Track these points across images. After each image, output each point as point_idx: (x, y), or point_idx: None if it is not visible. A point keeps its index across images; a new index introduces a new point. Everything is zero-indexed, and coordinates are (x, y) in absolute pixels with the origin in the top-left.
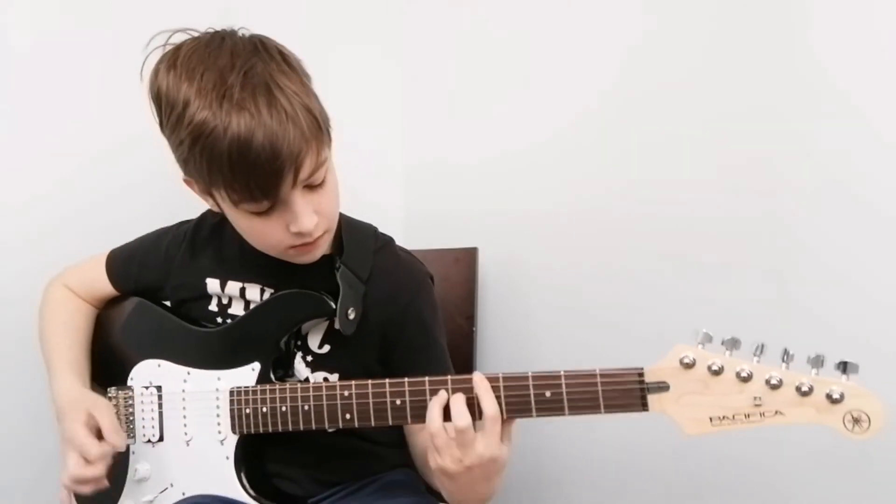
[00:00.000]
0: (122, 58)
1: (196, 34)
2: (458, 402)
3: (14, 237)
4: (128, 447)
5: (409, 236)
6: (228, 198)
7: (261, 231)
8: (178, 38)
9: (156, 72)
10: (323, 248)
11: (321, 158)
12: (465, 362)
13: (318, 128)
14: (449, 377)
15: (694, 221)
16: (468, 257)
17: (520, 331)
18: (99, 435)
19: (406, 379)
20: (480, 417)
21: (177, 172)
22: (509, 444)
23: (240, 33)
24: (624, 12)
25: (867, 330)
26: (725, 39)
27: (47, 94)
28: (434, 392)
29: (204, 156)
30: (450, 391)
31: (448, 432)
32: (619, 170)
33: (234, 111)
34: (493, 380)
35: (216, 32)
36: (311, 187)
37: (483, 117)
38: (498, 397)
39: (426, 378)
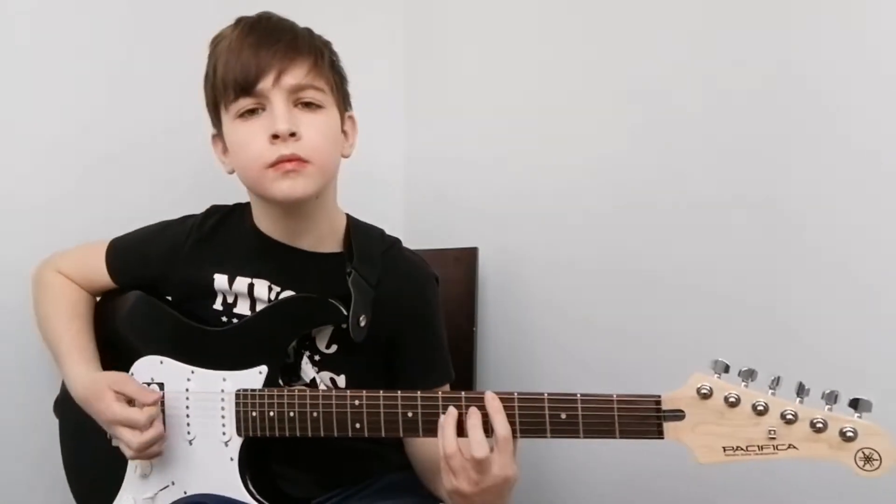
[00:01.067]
0: (123, 56)
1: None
2: (476, 430)
3: (14, 237)
4: None
5: (410, 236)
6: (225, 104)
7: (247, 140)
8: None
9: (220, 33)
10: (308, 184)
11: (314, 82)
12: (465, 362)
13: (322, 56)
14: (462, 393)
15: (694, 221)
16: (468, 257)
17: (520, 331)
18: (132, 403)
19: (419, 392)
20: (491, 436)
21: (177, 171)
22: (518, 459)
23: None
24: (625, 11)
25: (880, 357)
26: (726, 39)
27: (47, 93)
28: (446, 408)
29: (211, 59)
30: (463, 409)
31: (464, 455)
32: (620, 170)
33: (247, 22)
34: (508, 399)
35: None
36: (301, 105)
37: (484, 117)
38: (512, 416)
39: (440, 392)
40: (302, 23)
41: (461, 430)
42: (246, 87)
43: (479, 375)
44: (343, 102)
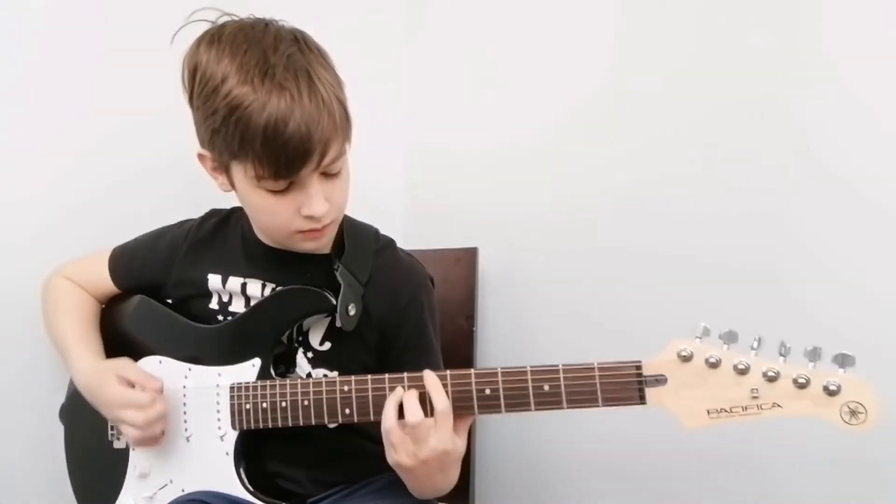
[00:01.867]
0: (120, 55)
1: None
2: (411, 399)
3: (13, 235)
4: (128, 444)
5: (410, 236)
6: (253, 172)
7: (273, 210)
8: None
9: (196, 47)
10: (328, 237)
11: (342, 149)
12: (465, 362)
13: (347, 120)
14: (405, 374)
15: (695, 221)
16: (468, 257)
17: (520, 331)
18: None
19: (406, 374)
20: (433, 413)
21: (178, 167)
22: (465, 437)
23: (280, 23)
24: (626, 13)
25: (863, 324)
26: (725, 40)
27: (47, 90)
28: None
29: (238, 128)
30: (405, 388)
31: (402, 428)
32: (620, 170)
33: (276, 90)
34: (491, 374)
35: (259, 19)
36: (327, 175)
37: (484, 117)
38: (496, 391)
39: (423, 373)
40: (302, 23)
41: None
42: (285, 175)
43: None
44: (351, 136)
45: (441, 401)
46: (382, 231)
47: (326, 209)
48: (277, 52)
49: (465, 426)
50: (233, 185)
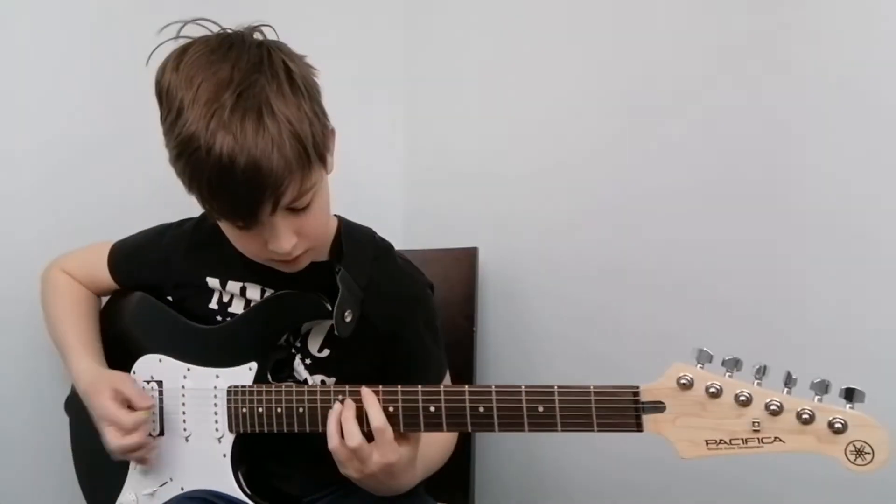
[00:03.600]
0: (120, 52)
1: (209, 26)
2: (349, 422)
3: (14, 229)
4: None
5: (409, 236)
6: (212, 209)
7: (241, 241)
8: (189, 30)
9: (163, 68)
10: (306, 261)
11: (306, 185)
12: (465, 362)
13: (306, 155)
14: (346, 389)
15: (696, 222)
16: (468, 257)
17: (520, 331)
18: (130, 407)
19: (399, 387)
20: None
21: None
22: (414, 442)
23: (251, 38)
24: (624, 11)
25: (872, 353)
26: (723, 39)
27: (47, 87)
28: (426, 403)
29: (187, 170)
30: (343, 403)
31: (345, 447)
32: (620, 170)
33: (221, 131)
34: (485, 391)
35: (227, 36)
36: (294, 210)
37: (484, 117)
38: (490, 409)
39: (419, 387)
40: (303, 21)
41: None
42: (236, 220)
43: (478, 375)
44: (325, 155)
45: (377, 417)
46: (383, 231)
47: (294, 244)
48: (230, 86)
49: (416, 435)
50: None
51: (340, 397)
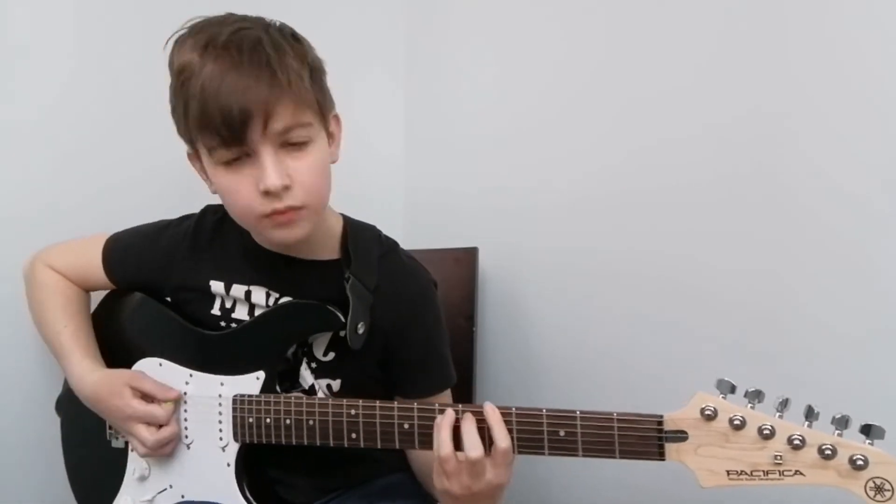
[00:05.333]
0: (119, 46)
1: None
2: (471, 432)
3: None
4: (126, 444)
5: (409, 236)
6: (205, 145)
7: (234, 189)
8: None
9: (172, 48)
10: (301, 227)
11: (302, 119)
12: (465, 362)
13: (301, 87)
14: (460, 406)
15: (696, 223)
16: (468, 257)
17: (520, 331)
18: (148, 400)
19: (415, 404)
20: (490, 448)
21: (176, 163)
22: (511, 468)
23: (265, 20)
24: (625, 13)
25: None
26: (725, 39)
27: (46, 86)
28: (442, 412)
29: (182, 95)
30: (460, 413)
31: (459, 459)
32: (621, 170)
33: (217, 52)
34: (506, 413)
35: (234, 14)
36: (288, 147)
37: (484, 117)
38: (510, 430)
39: (436, 405)
40: (302, 23)
41: (456, 435)
42: (229, 141)
43: (478, 376)
44: (326, 112)
45: (503, 438)
46: (383, 231)
47: (284, 183)
48: (230, 25)
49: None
50: (209, 177)
51: (460, 407)
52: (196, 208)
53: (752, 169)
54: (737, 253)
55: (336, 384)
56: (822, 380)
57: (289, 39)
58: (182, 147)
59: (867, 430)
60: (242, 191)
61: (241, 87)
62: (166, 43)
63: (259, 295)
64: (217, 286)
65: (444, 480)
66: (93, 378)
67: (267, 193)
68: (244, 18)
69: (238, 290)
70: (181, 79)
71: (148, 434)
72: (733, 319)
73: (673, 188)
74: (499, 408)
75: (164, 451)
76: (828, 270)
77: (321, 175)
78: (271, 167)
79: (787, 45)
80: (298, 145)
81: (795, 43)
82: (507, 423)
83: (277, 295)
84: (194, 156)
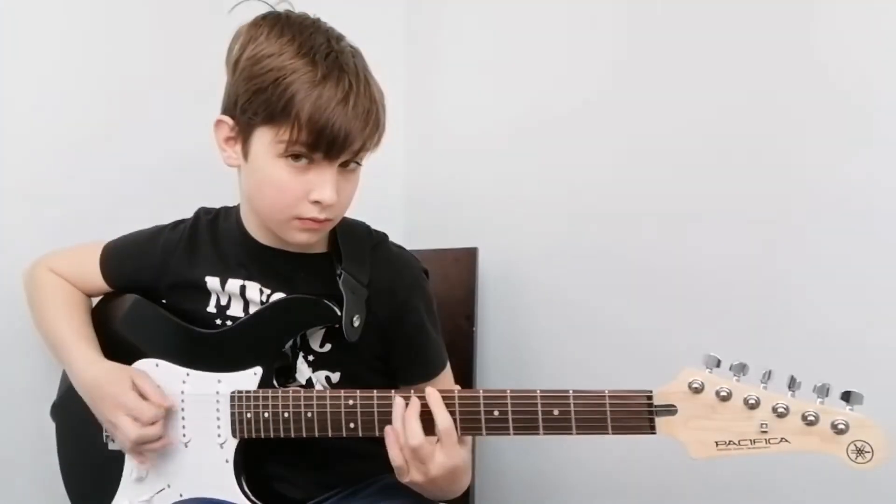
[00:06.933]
0: (117, 49)
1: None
2: (411, 421)
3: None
4: None
5: (409, 236)
6: (287, 136)
7: (283, 186)
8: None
9: (261, 18)
10: (321, 234)
11: (370, 147)
12: (465, 362)
13: (380, 125)
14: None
15: (696, 223)
16: (468, 257)
17: (520, 331)
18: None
19: (413, 391)
20: (435, 432)
21: (176, 162)
22: (468, 444)
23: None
24: (626, 15)
25: (875, 356)
26: (724, 39)
27: (46, 84)
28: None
29: (289, 90)
30: (407, 400)
31: (405, 452)
32: (620, 171)
33: (337, 71)
34: (500, 395)
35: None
36: (345, 168)
37: (484, 117)
38: (505, 412)
39: (426, 390)
40: None
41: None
42: (315, 149)
43: (478, 375)
44: None
45: (443, 419)
46: (378, 229)
47: (335, 200)
48: (339, 41)
49: (468, 436)
50: (245, 157)
51: (418, 393)
52: (188, 214)
53: (752, 169)
54: (737, 254)
55: (335, 376)
56: (805, 356)
57: (369, 70)
58: (182, 152)
59: (847, 396)
60: (292, 189)
61: (361, 117)
62: (232, 9)
63: (253, 291)
64: (213, 282)
65: (402, 474)
66: (97, 367)
67: (315, 203)
68: (339, 35)
69: (233, 284)
70: (292, 77)
71: (129, 426)
72: (733, 324)
73: (673, 188)
74: (493, 390)
75: (147, 449)
76: (817, 259)
77: (352, 198)
78: (331, 185)
79: (786, 47)
80: (352, 169)
81: (795, 45)
82: (501, 403)
83: (270, 291)
84: (226, 124)
